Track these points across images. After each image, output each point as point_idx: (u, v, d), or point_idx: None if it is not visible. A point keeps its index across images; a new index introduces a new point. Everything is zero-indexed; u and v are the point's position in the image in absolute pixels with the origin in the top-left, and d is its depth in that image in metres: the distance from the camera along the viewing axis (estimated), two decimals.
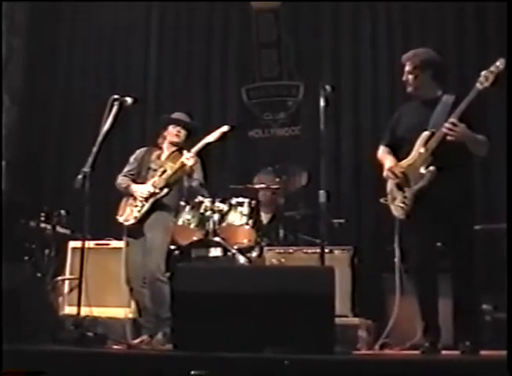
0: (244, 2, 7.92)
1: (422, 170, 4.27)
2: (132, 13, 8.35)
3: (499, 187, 6.13)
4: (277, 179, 6.37)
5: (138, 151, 5.62)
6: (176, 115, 5.62)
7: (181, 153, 5.42)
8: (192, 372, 3.28)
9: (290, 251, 5.96)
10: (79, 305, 4.63)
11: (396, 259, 4.94)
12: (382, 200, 4.62)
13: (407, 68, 4.49)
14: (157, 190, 5.26)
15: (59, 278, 6.21)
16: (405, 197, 4.38)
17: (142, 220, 5.26)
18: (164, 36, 8.23)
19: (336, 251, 5.79)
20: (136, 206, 5.28)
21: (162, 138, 5.55)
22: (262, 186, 6.37)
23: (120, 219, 5.33)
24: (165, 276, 5.13)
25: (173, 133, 5.48)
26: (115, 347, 4.65)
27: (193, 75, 8.00)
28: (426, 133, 4.29)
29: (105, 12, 8.43)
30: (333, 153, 7.07)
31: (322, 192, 4.60)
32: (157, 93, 7.95)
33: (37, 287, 5.12)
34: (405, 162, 4.41)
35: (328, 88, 4.75)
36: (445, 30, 7.16)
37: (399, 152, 4.51)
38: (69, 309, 5.90)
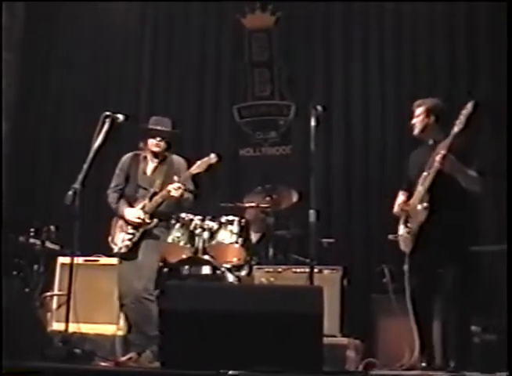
0: (237, 21, 7.97)
1: (418, 207, 4.46)
2: (126, 31, 8.39)
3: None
4: (267, 198, 6.37)
5: (122, 160, 5.47)
6: (155, 122, 5.40)
7: (165, 164, 5.34)
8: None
9: (280, 270, 5.96)
10: (67, 321, 4.63)
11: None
12: (390, 237, 4.92)
13: (416, 113, 4.70)
14: (147, 219, 5.15)
15: (48, 294, 6.17)
16: (407, 233, 4.58)
17: (133, 248, 5.18)
18: (156, 54, 8.26)
19: (325, 271, 5.79)
20: (128, 233, 5.19)
21: (143, 146, 5.40)
22: (252, 204, 6.37)
23: (114, 248, 5.23)
24: (152, 295, 5.06)
25: (153, 143, 5.31)
26: (103, 364, 4.63)
27: (185, 93, 8.02)
28: (424, 174, 4.49)
29: (99, 28, 8.46)
30: (324, 172, 7.08)
31: (312, 211, 4.63)
32: (150, 110, 7.93)
33: (26, 303, 5.11)
34: (410, 201, 4.62)
35: (319, 108, 4.83)
36: (436, 52, 7.22)
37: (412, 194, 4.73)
38: (57, 325, 5.84)
